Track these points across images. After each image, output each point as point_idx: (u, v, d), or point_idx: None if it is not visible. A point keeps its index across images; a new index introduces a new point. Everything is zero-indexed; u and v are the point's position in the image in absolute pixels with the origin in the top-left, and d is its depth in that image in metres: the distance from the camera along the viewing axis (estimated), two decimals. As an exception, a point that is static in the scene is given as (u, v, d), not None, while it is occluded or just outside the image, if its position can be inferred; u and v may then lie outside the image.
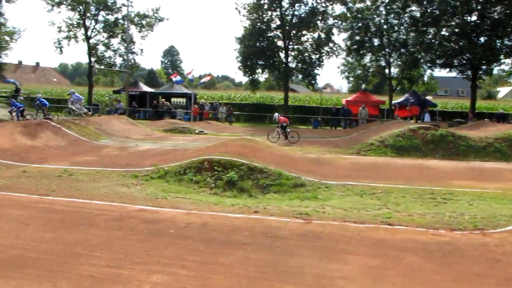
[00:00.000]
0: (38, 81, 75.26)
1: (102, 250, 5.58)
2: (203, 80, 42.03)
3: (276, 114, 22.62)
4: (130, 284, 4.59)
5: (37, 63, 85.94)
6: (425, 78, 42.66)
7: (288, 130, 21.22)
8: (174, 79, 38.17)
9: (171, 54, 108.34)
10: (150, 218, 7.11)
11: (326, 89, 66.49)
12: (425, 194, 9.59)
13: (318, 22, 39.87)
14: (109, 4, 40.44)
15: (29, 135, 15.65)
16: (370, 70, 40.40)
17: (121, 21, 41.26)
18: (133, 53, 41.88)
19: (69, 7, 40.13)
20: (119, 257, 5.33)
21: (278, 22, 40.36)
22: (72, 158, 13.92)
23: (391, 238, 6.26)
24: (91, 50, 41.21)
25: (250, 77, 41.83)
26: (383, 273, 5.03)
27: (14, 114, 22.32)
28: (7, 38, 42.06)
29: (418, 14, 36.06)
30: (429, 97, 37.99)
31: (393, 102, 37.73)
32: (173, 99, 40.39)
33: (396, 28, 37.61)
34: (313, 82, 42.15)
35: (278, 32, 40.69)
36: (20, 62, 79.34)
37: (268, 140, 19.75)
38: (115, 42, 42.58)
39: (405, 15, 36.73)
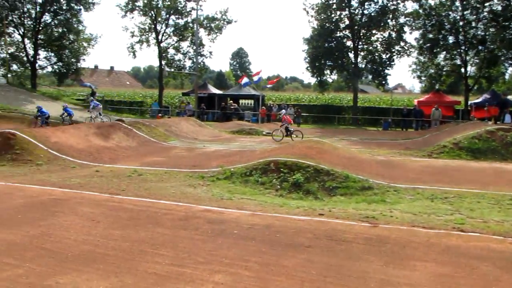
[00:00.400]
0: (112, 84, 78.99)
1: (167, 248, 5.75)
2: (269, 85, 42.25)
3: (283, 111, 22.73)
4: (193, 282, 4.69)
5: (112, 67, 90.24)
6: (506, 77, 40.31)
7: (292, 129, 21.52)
8: (243, 81, 38.65)
9: (239, 56, 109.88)
10: (215, 219, 7.24)
11: (397, 89, 64.76)
12: (504, 200, 9.05)
13: (389, 20, 38.87)
14: (179, 8, 41.71)
15: (102, 136, 16.47)
16: (444, 69, 38.73)
17: (190, 24, 42.39)
18: (202, 55, 42.89)
19: (141, 13, 41.84)
20: (183, 256, 5.47)
21: (347, 22, 39.78)
22: (142, 158, 14.48)
23: (464, 246, 5.97)
24: (162, 53, 42.67)
25: (318, 78, 41.52)
26: (454, 282, 4.80)
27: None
28: (85, 44, 44.57)
29: (499, 8, 34.09)
30: (510, 97, 35.84)
31: (470, 102, 35.90)
32: (241, 101, 40.93)
33: (473, 24, 35.79)
34: (383, 82, 41.11)
35: (347, 32, 40.11)
36: (96, 67, 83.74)
37: (273, 139, 21.05)
38: (185, 45, 43.87)
39: (484, 9, 34.85)
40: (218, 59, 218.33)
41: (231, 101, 39.41)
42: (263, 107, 37.48)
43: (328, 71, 41.76)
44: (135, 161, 13.81)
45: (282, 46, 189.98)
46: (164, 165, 12.94)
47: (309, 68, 41.04)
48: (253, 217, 7.35)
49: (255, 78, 38.40)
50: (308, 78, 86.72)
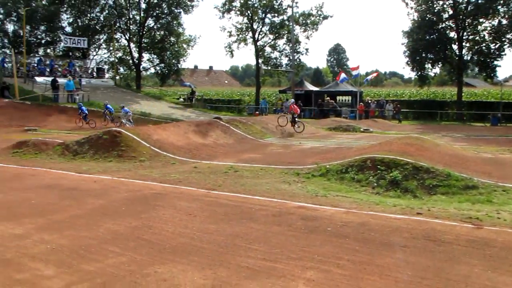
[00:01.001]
0: (211, 83, 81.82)
1: (260, 243, 5.83)
2: (369, 77, 41.25)
3: (291, 100, 25.16)
4: (284, 278, 4.72)
5: (211, 67, 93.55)
6: None
7: (297, 119, 22.48)
8: (340, 78, 38.16)
9: (336, 52, 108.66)
10: (309, 215, 7.22)
11: (509, 82, 60.02)
12: None
13: (499, 7, 36.11)
14: (275, 6, 42.13)
15: (200, 134, 17.11)
16: None
17: (286, 22, 42.63)
18: (298, 53, 43.02)
19: (238, 13, 42.84)
20: (276, 251, 5.52)
21: (451, 12, 37.64)
22: (238, 155, 14.81)
23: None
24: (259, 52, 43.40)
25: (419, 73, 39.76)
26: None
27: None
28: (184, 45, 46.66)
29: None
30: None
31: None
32: (338, 97, 40.43)
33: None
34: (492, 74, 38.37)
35: (450, 23, 37.96)
36: (195, 67, 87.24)
37: (278, 124, 22.26)
38: (281, 43, 44.28)
39: None
40: (314, 55, 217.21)
41: (328, 98, 39.08)
42: (361, 103, 36.72)
43: (429, 65, 39.84)
44: (232, 158, 14.16)
45: (381, 40, 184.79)
46: (260, 162, 13.13)
47: (409, 62, 39.48)
48: (347, 215, 7.23)
49: (354, 73, 37.72)
50: (408, 73, 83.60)
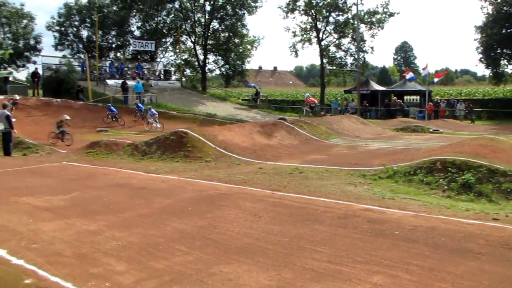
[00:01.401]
0: (275, 84, 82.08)
1: (325, 246, 5.80)
2: (436, 79, 39.70)
3: (306, 94, 28.12)
4: (350, 281, 4.66)
5: (275, 68, 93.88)
6: None
7: (317, 109, 24.86)
8: (407, 76, 37.13)
9: (403, 51, 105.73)
10: (375, 218, 7.09)
11: None
12: None
13: None
14: (339, 5, 41.64)
15: (265, 135, 17.22)
16: None
17: (351, 20, 42.03)
18: (363, 51, 42.29)
19: (302, 12, 42.72)
20: (341, 254, 5.46)
21: (530, 3, 35.60)
22: (303, 156, 14.78)
23: None
24: (323, 51, 43.08)
25: (494, 70, 37.83)
26: None
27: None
28: (249, 46, 47.14)
29: None
30: None
31: None
32: (406, 97, 39.35)
33: None
34: None
35: (529, 15, 35.86)
36: (260, 68, 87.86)
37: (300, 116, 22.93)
38: (346, 42, 43.71)
39: None
40: (380, 54, 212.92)
41: (395, 98, 38.11)
42: (430, 103, 35.48)
43: (505, 61, 37.80)
44: (297, 159, 14.15)
45: (451, 36, 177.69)
46: (325, 163, 13.04)
47: (482, 59, 37.68)
48: (416, 218, 7.02)
49: (424, 73, 36.51)
50: (482, 71, 79.70)
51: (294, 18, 46.33)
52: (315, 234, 6.29)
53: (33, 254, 5.61)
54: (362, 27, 41.81)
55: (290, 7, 42.70)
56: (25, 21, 47.33)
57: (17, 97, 25.70)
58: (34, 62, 44.81)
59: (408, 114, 35.59)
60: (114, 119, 28.80)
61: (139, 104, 29.81)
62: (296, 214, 7.44)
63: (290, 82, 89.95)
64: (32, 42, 47.76)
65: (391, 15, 41.46)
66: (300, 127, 19.54)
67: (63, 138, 20.51)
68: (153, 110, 27.57)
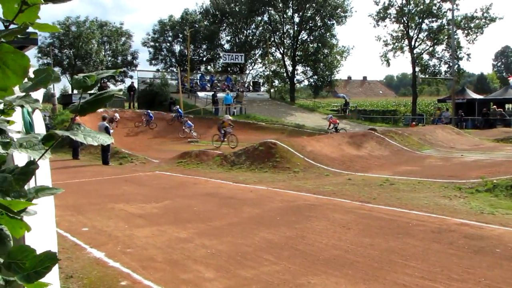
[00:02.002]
0: (365, 94, 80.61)
1: (418, 260, 5.55)
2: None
3: (329, 116, 29.52)
4: (447, 300, 4.42)
5: (364, 77, 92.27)
6: None
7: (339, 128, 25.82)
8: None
9: (505, 56, 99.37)
10: (473, 234, 6.67)
11: None
12: None
13: None
14: (433, 11, 40.06)
15: (354, 145, 16.90)
16: None
17: (446, 26, 40.27)
18: (459, 59, 40.26)
19: (394, 20, 41.63)
20: (435, 270, 5.19)
21: None
22: (394, 167, 14.32)
23: None
24: (415, 59, 41.62)
25: None
26: None
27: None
28: (338, 57, 46.74)
29: None
30: None
31: None
32: (507, 105, 36.89)
33: None
34: None
35: None
36: (349, 78, 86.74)
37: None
38: (440, 49, 41.87)
39: None
40: (478, 61, 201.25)
41: (495, 106, 35.83)
42: (537, 111, 32.98)
43: None
44: (387, 170, 13.74)
45: None
46: (417, 175, 12.54)
47: None
48: (521, 235, 6.52)
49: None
50: None
51: (385, 26, 45.33)
52: (406, 248, 6.04)
53: (128, 258, 5.90)
54: (459, 33, 39.90)
55: (381, 15, 41.75)
56: (123, 39, 50.64)
57: (117, 115, 27.25)
58: (131, 77, 47.70)
59: (510, 123, 33.29)
60: (147, 124, 29.82)
61: (180, 110, 31.04)
62: (387, 226, 7.21)
63: (380, 92, 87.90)
64: (129, 57, 50.96)
65: (492, 20, 39.10)
66: (391, 137, 18.96)
67: (227, 139, 21.95)
68: (189, 122, 28.92)
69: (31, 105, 1.34)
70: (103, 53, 48.15)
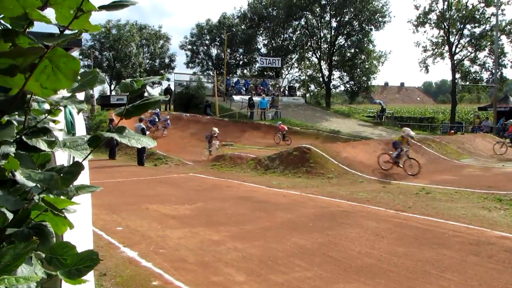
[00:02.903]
0: (402, 100, 79.35)
1: (454, 273, 5.43)
2: None
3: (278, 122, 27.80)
4: (483, 314, 4.31)
5: (402, 84, 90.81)
6: None
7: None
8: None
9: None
10: (513, 247, 6.49)
11: None
12: None
13: None
14: (476, 16, 39.13)
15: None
16: None
17: (489, 32, 39.25)
18: (502, 66, 39.18)
19: (434, 25, 40.87)
20: (473, 284, 5.08)
21: None
22: (431, 176, 14.05)
23: None
24: (455, 66, 40.72)
25: None
26: None
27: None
28: (375, 62, 46.21)
29: None
30: None
31: None
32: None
33: None
34: None
35: None
36: (386, 84, 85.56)
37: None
38: (482, 55, 40.84)
39: None
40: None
41: (540, 115, 34.67)
42: None
43: None
44: (424, 179, 13.49)
45: None
46: (454, 184, 12.26)
47: None
48: None
49: None
50: None
51: (424, 32, 44.53)
52: (442, 259, 5.92)
53: (160, 259, 5.99)
54: (503, 39, 38.80)
55: (421, 20, 40.98)
56: (161, 42, 51.51)
57: (157, 111, 27.19)
58: (168, 79, 48.36)
59: (555, 134, 32.16)
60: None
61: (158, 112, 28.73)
62: (422, 236, 7.08)
63: (418, 98, 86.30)
64: (167, 60, 51.77)
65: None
66: (427, 145, 18.61)
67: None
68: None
69: (77, 105, 1.40)
70: (142, 56, 49.04)
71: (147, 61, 50.27)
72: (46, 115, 1.39)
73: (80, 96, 2.70)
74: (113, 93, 46.55)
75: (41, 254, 1.42)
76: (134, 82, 1.38)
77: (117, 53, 46.73)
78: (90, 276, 3.33)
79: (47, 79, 1.11)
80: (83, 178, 3.04)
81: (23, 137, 1.32)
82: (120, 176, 14.72)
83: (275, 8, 47.55)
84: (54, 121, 1.42)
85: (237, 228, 7.69)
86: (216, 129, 21.63)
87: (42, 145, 1.32)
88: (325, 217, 8.47)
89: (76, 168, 1.31)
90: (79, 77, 1.39)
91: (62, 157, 2.59)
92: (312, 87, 50.84)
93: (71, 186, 1.76)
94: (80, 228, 2.89)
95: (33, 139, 1.32)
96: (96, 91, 46.04)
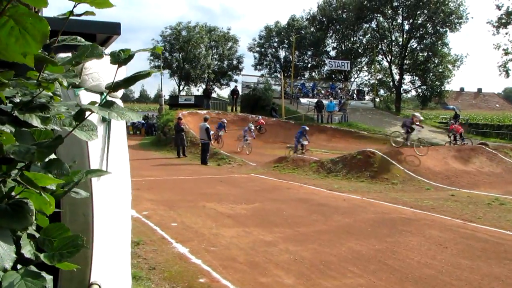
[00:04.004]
0: (478, 107, 75.74)
1: (525, 290, 4.96)
2: None
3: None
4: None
5: (479, 89, 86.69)
6: None
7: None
8: None
9: None
10: None
11: None
12: None
13: None
14: None
15: (461, 160, 15.80)
16: None
17: None
18: None
19: (517, 26, 38.60)
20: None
21: None
22: (506, 186, 13.18)
23: None
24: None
25: None
26: None
27: None
28: (449, 66, 44.29)
29: None
30: None
31: None
32: None
33: None
34: None
35: None
36: (461, 89, 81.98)
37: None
38: None
39: None
40: None
41: None
42: None
43: None
44: (498, 189, 12.66)
45: None
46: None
47: None
48: None
49: None
50: None
51: (506, 33, 42.05)
52: (512, 276, 5.44)
53: (210, 256, 5.92)
54: None
55: (503, 21, 38.78)
56: (230, 44, 52.15)
57: (225, 120, 26.74)
58: (236, 81, 48.92)
59: None
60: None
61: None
62: (491, 250, 6.56)
63: (497, 105, 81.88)
64: (235, 62, 52.37)
65: None
66: (505, 154, 17.48)
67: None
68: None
69: (68, 80, 1.30)
70: (210, 57, 49.87)
71: (216, 62, 51.02)
72: (41, 89, 1.30)
73: (118, 94, 2.65)
74: (182, 93, 47.70)
75: (35, 234, 1.33)
76: (121, 52, 1.30)
77: (186, 55, 47.76)
78: (126, 268, 3.24)
79: (16, 42, 1.00)
80: (122, 162, 2.98)
81: (15, 111, 1.23)
82: (182, 174, 14.94)
83: (345, 10, 46.83)
84: (50, 97, 1.32)
85: (291, 230, 7.49)
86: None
87: (35, 121, 1.22)
88: (385, 223, 8.08)
89: (54, 142, 1.19)
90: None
91: (96, 147, 2.53)
92: (382, 91, 49.57)
93: (82, 170, 1.67)
94: (115, 215, 2.83)
95: (26, 115, 1.23)
96: (166, 92, 47.33)
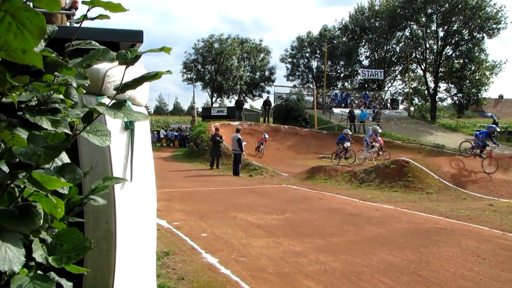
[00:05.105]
0: (519, 114, 73.55)
1: None
2: None
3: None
4: None
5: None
6: None
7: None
8: None
9: None
10: None
11: None
12: None
13: None
14: None
15: (501, 168, 15.30)
16: None
17: None
18: None
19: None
20: None
21: None
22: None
23: None
24: None
25: None
26: None
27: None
28: (487, 73, 43.17)
29: None
30: None
31: None
32: None
33: None
34: None
35: None
36: (501, 96, 79.81)
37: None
38: None
39: None
40: None
41: None
42: None
43: None
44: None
45: None
46: None
47: None
48: None
49: None
50: None
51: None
52: (555, 289, 5.19)
53: (240, 267, 5.87)
54: None
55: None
56: (262, 55, 52.46)
57: (267, 135, 25.50)
58: (268, 92, 49.04)
59: None
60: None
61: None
62: (533, 262, 6.29)
63: (538, 113, 79.54)
64: (267, 73, 52.59)
65: None
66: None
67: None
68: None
69: (77, 81, 1.30)
70: (243, 69, 50.25)
71: (248, 74, 51.38)
72: (52, 92, 1.30)
73: (141, 92, 2.67)
74: (215, 105, 48.16)
75: (48, 239, 1.33)
76: (128, 52, 1.30)
77: (218, 66, 48.33)
78: (151, 275, 3.23)
79: (15, 38, 1.00)
80: (146, 171, 2.99)
81: (26, 114, 1.24)
82: (214, 184, 14.99)
83: (377, 19, 46.49)
84: (61, 100, 1.32)
85: (322, 240, 7.38)
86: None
87: (45, 124, 1.23)
88: (419, 233, 7.87)
89: (61, 144, 1.19)
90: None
91: (119, 155, 2.54)
92: (416, 100, 48.76)
93: (102, 178, 1.67)
94: (139, 223, 2.84)
95: (36, 117, 1.23)
96: (200, 104, 47.87)
